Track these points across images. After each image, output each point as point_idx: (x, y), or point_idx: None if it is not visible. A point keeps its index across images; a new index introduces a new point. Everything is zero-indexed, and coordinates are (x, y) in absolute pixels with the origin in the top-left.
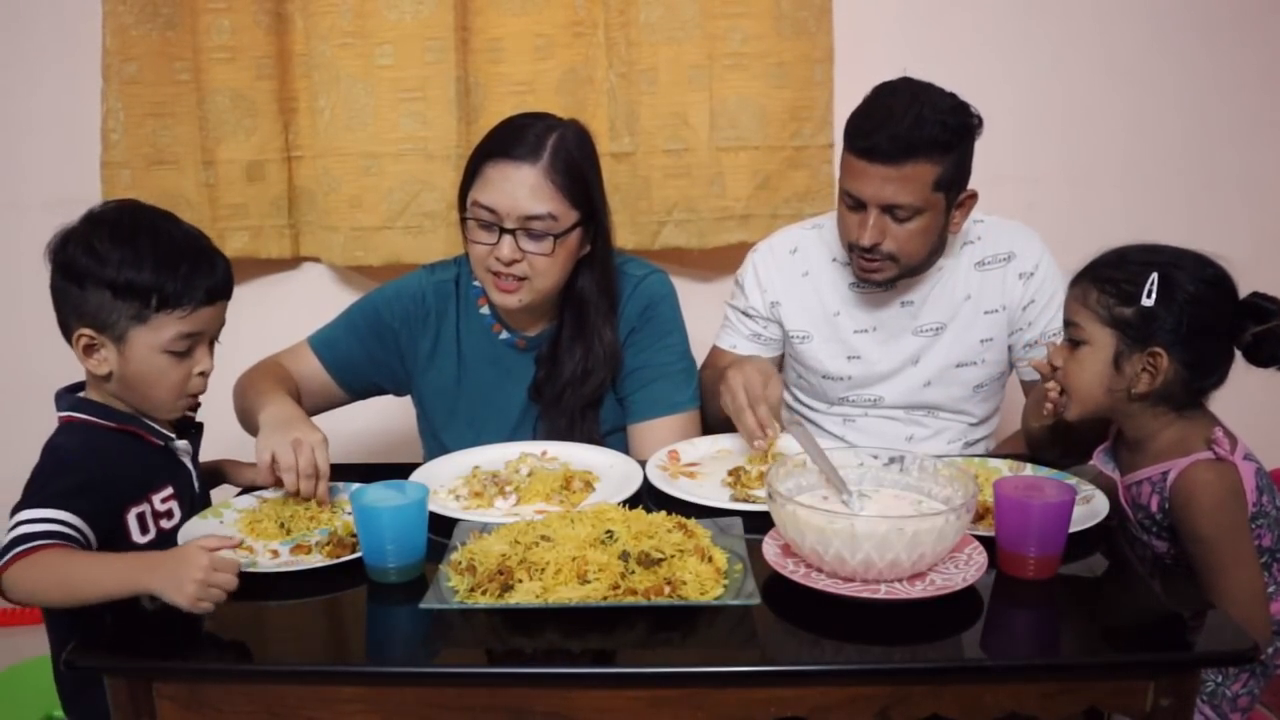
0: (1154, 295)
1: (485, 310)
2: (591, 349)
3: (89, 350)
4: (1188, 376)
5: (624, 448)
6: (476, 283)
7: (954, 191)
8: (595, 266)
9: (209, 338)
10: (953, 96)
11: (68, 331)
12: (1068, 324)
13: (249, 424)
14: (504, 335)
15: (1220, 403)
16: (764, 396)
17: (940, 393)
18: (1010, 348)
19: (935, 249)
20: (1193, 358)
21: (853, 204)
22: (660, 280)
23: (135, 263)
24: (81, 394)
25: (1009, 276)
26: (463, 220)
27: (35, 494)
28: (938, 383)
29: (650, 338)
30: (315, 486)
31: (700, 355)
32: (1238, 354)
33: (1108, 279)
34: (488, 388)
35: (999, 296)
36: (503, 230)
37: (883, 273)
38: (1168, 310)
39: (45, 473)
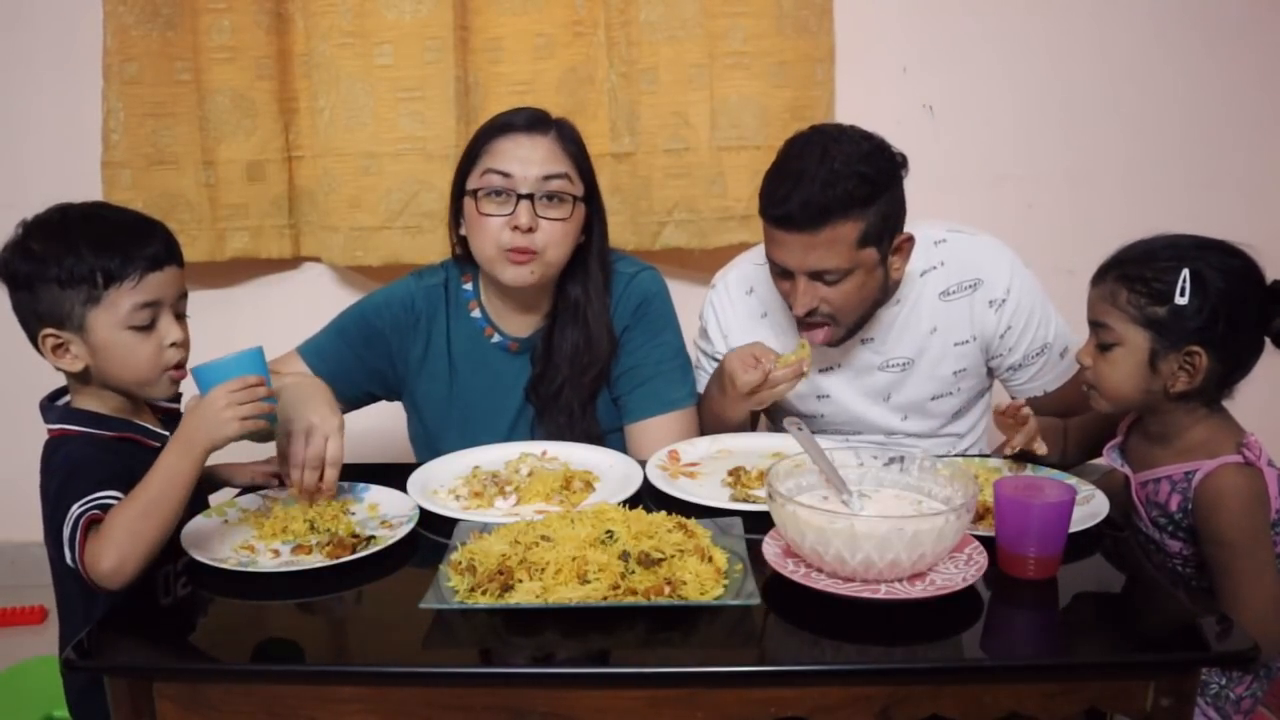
0: (1187, 292)
1: (476, 314)
2: (588, 334)
3: (58, 351)
4: (1223, 371)
5: (622, 448)
6: (467, 286)
7: (885, 242)
8: (591, 256)
9: (170, 307)
10: (869, 140)
11: (35, 339)
12: (1096, 324)
13: None
14: (495, 339)
15: (1227, 403)
16: (761, 352)
17: (919, 424)
18: (991, 370)
19: (877, 300)
20: (1228, 352)
21: (779, 272)
22: (652, 277)
23: (73, 251)
24: (65, 401)
25: (977, 305)
26: (462, 199)
27: (76, 489)
28: (915, 416)
29: (644, 336)
30: (319, 476)
31: (695, 352)
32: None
33: (1136, 278)
34: (480, 393)
35: (968, 327)
36: (520, 197)
37: (826, 331)
38: (1202, 308)
39: (73, 474)
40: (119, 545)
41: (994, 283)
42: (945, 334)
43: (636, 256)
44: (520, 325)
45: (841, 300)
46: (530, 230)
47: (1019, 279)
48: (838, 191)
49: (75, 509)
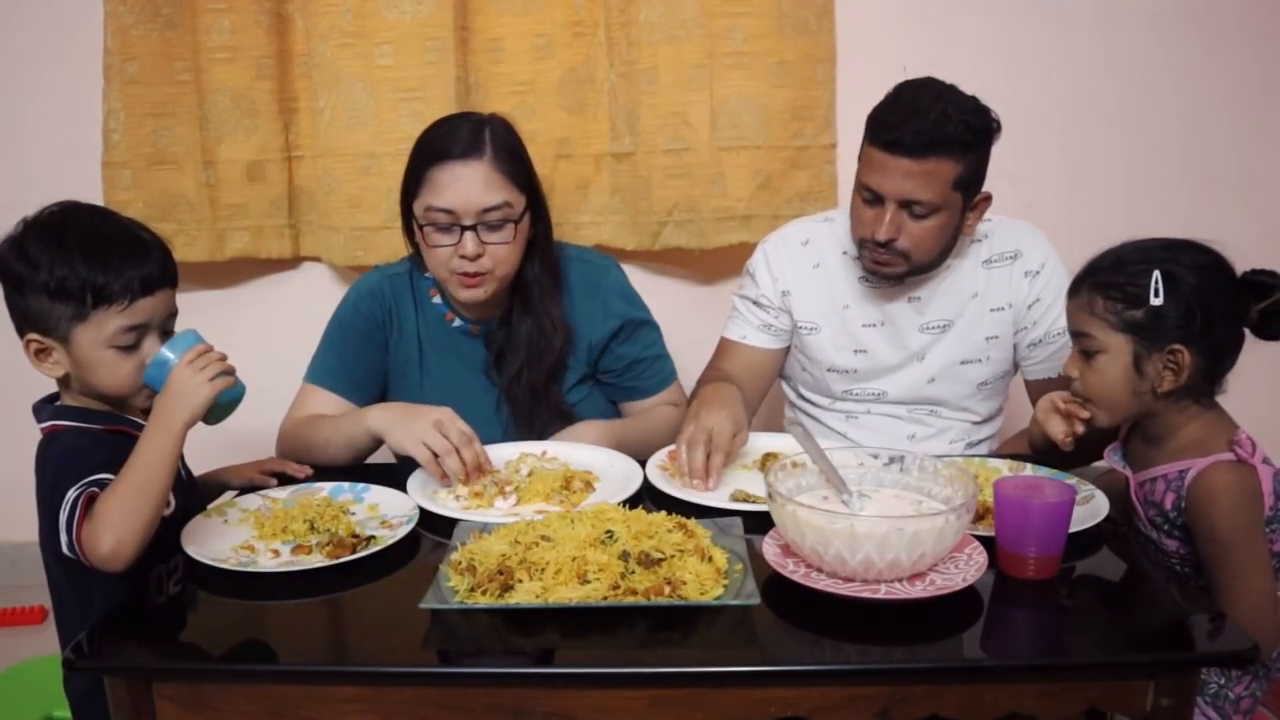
0: (1161, 293)
1: (437, 300)
2: (541, 325)
3: (40, 355)
4: (1207, 366)
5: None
6: (428, 274)
7: (971, 192)
8: (537, 249)
9: (156, 328)
10: (975, 99)
11: (23, 338)
12: (1077, 335)
13: (327, 452)
14: (457, 323)
15: (1224, 401)
16: (726, 448)
17: (944, 389)
18: (1015, 346)
19: (947, 248)
20: (1209, 346)
21: (871, 198)
22: (620, 269)
23: (65, 262)
24: (58, 403)
25: (1015, 275)
26: (414, 228)
27: (71, 474)
28: (942, 379)
29: (635, 326)
30: (473, 452)
31: (670, 335)
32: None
33: (1110, 284)
34: (450, 377)
35: (1005, 294)
36: (463, 228)
37: (892, 268)
38: (1177, 305)
39: (67, 463)
40: (115, 526)
41: (1032, 256)
42: (984, 299)
43: (637, 255)
44: (480, 311)
45: (920, 236)
46: (478, 256)
47: (1053, 259)
48: (948, 130)
49: (71, 492)
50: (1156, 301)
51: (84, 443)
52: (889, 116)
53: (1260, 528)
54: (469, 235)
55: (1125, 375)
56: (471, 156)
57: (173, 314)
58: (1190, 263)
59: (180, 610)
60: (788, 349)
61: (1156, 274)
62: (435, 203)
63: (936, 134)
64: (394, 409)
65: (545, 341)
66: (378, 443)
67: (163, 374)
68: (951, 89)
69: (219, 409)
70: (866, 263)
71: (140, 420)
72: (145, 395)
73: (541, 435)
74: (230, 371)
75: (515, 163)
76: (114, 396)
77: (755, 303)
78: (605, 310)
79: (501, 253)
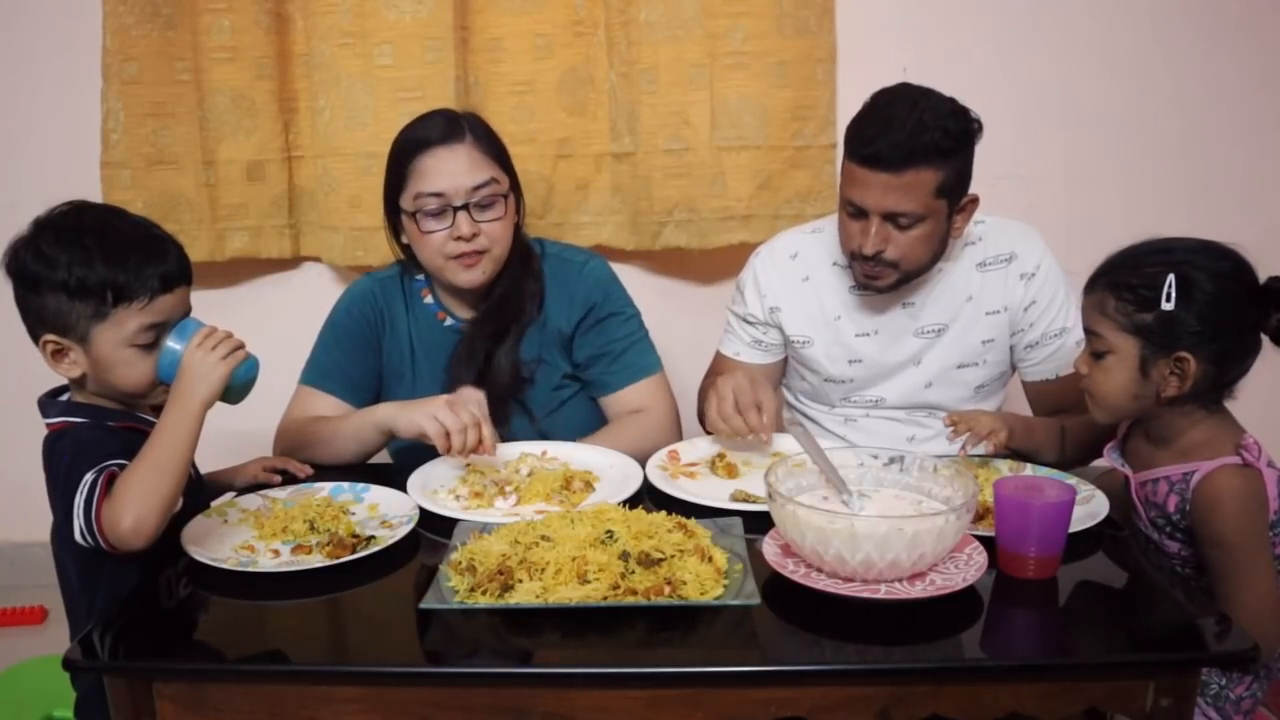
0: (1173, 298)
1: (429, 300)
2: (518, 285)
3: (57, 356)
4: (1215, 373)
5: (572, 424)
6: (420, 277)
7: (956, 197)
8: (517, 239)
9: (175, 326)
10: (952, 101)
11: (36, 339)
12: (1088, 333)
13: (331, 447)
14: (449, 322)
15: (1229, 401)
16: (754, 402)
17: (941, 393)
18: (1012, 348)
19: (937, 254)
20: (1219, 355)
21: (854, 212)
22: (602, 263)
23: (84, 261)
24: (65, 397)
25: (1010, 277)
26: (400, 221)
27: (88, 460)
28: (939, 383)
29: (610, 317)
30: (481, 432)
31: (654, 329)
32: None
33: (1124, 284)
34: (439, 374)
35: (1000, 297)
36: (455, 209)
37: (884, 279)
38: (1189, 312)
39: (82, 451)
40: (135, 503)
41: (1027, 258)
42: (979, 302)
43: (637, 255)
44: (469, 310)
45: (908, 246)
46: (474, 236)
47: (1048, 260)
48: (924, 139)
49: (90, 474)
50: (1168, 306)
51: (98, 434)
52: (864, 130)
53: (1265, 532)
54: (461, 215)
55: (1131, 378)
56: (453, 140)
57: (187, 311)
58: (1209, 269)
59: (180, 610)
60: (784, 360)
61: (1171, 277)
62: (424, 188)
63: (913, 145)
64: (402, 402)
65: (518, 302)
66: (383, 440)
67: (174, 365)
68: (927, 94)
69: (236, 388)
70: (857, 275)
71: (152, 418)
72: (160, 392)
73: (486, 392)
74: (240, 346)
75: (495, 145)
76: (131, 395)
77: (745, 319)
78: (572, 297)
79: (496, 230)
